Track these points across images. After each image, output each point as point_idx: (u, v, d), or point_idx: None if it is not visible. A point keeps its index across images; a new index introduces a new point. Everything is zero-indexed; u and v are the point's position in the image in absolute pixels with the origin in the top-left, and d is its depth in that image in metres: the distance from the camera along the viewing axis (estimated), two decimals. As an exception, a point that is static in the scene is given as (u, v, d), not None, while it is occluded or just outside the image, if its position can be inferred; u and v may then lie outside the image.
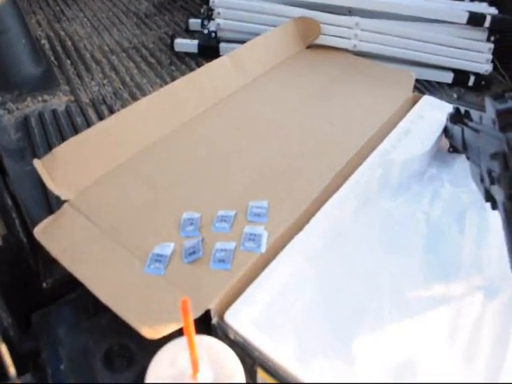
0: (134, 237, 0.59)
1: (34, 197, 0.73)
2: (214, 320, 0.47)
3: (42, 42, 1.24)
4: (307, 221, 0.59)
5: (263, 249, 0.55)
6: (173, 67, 1.14)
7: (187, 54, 1.18)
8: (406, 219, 0.65)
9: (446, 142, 0.78)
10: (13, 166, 0.78)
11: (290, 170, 0.69)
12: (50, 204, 0.71)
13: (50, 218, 0.61)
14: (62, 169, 0.66)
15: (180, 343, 0.37)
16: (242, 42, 0.97)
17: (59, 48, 1.22)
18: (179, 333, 0.46)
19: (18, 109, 0.97)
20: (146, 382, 0.36)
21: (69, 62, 1.16)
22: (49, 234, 0.60)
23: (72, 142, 0.68)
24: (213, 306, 0.48)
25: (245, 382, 0.37)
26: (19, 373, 0.59)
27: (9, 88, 1.01)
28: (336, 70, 0.97)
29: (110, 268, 0.55)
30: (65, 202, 0.63)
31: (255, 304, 0.49)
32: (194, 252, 0.55)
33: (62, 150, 0.67)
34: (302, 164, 0.70)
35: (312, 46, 1.06)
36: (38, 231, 0.59)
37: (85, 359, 0.51)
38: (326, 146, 0.74)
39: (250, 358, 0.44)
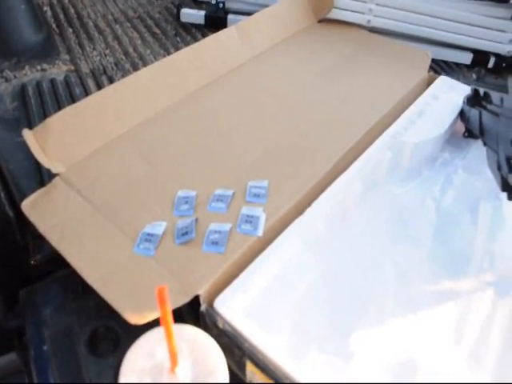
0: (127, 214, 0.56)
1: (26, 169, 0.70)
2: (203, 307, 0.44)
3: (44, 8, 1.20)
4: (309, 204, 0.55)
5: (260, 232, 0.52)
6: (178, 38, 1.10)
7: (193, 25, 1.13)
8: (415, 206, 0.61)
9: (461, 126, 0.74)
10: (6, 135, 0.75)
11: (295, 148, 0.65)
12: (43, 177, 0.68)
13: (40, 191, 0.59)
14: (55, 140, 0.63)
15: (162, 332, 0.34)
16: (251, 14, 0.92)
17: (62, 16, 1.18)
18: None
19: (15, 77, 0.93)
20: (121, 371, 0.33)
21: (71, 30, 1.11)
22: (37, 208, 0.57)
23: (66, 112, 0.65)
24: (202, 291, 0.45)
25: (227, 378, 0.34)
26: (3, 351, 0.58)
27: (7, 55, 0.97)
28: (348, 46, 0.92)
29: (99, 247, 0.52)
30: (57, 175, 0.61)
31: (248, 291, 0.45)
32: (186, 233, 0.52)
33: (56, 120, 0.64)
34: (308, 142, 0.66)
35: (324, 20, 1.00)
36: (26, 205, 0.57)
37: (69, 341, 0.49)
38: (334, 124, 0.70)
39: (238, 350, 0.41)
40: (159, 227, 0.53)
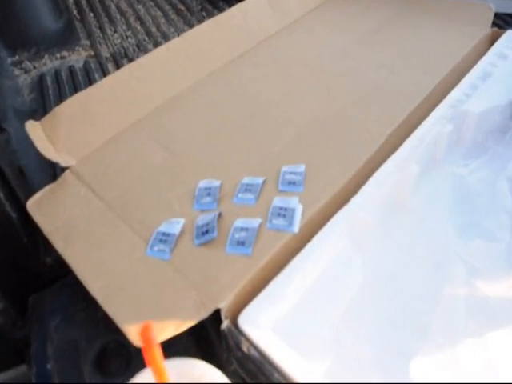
0: (141, 211, 0.50)
1: (41, 164, 0.65)
2: (225, 324, 0.36)
3: (66, -6, 1.16)
4: (355, 192, 0.47)
5: (296, 228, 0.44)
6: (204, 13, 1.04)
7: (220, -3, 1.06)
8: (485, 189, 0.52)
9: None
10: (21, 129, 0.71)
11: (335, 127, 0.57)
12: (56, 172, 0.64)
13: (47, 188, 0.54)
14: (65, 130, 0.59)
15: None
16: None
17: (83, 1, 1.13)
18: (187, 333, 0.36)
19: (34, 68, 0.91)
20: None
21: (92, 14, 1.08)
22: (43, 207, 0.53)
23: (77, 99, 0.61)
24: (224, 304, 0.37)
25: None
26: (14, 363, 0.54)
27: (26, 45, 0.94)
28: (394, 5, 0.82)
29: (108, 250, 0.46)
30: (67, 169, 0.56)
31: (280, 303, 0.37)
32: (207, 231, 0.44)
33: (65, 109, 0.60)
34: (350, 119, 0.58)
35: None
36: (32, 204, 0.53)
37: (74, 359, 0.44)
38: (381, 97, 0.61)
39: (266, 379, 0.33)
40: (176, 225, 0.46)
